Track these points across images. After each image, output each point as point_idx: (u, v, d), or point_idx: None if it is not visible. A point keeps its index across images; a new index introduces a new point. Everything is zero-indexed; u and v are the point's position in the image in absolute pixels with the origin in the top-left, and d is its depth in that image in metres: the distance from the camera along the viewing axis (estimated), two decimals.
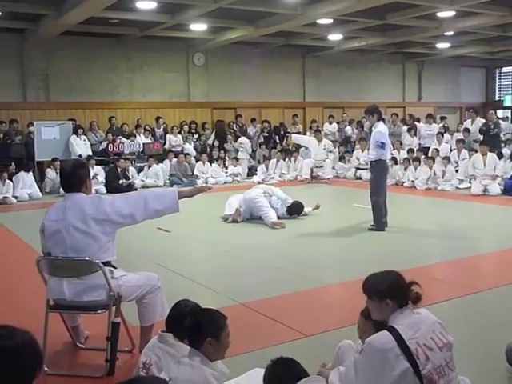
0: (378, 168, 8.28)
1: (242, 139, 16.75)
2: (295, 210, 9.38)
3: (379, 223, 8.27)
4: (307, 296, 5.25)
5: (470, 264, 6.54)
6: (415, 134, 15.91)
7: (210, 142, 16.99)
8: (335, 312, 4.87)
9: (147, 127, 16.48)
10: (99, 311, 3.63)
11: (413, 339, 2.55)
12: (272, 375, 2.78)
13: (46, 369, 3.64)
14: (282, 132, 18.33)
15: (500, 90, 25.49)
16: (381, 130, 8.19)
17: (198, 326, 2.77)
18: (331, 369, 3.16)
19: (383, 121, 8.79)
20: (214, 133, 17.32)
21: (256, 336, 4.22)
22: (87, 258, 3.52)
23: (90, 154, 14.43)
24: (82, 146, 14.55)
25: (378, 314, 2.74)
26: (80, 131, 14.79)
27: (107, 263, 3.65)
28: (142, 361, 3.01)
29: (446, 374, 2.57)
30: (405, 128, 17.11)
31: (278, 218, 8.98)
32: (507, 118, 19.67)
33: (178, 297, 4.91)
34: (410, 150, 14.59)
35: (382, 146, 8.08)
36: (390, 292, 2.70)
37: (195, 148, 16.66)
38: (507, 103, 24.01)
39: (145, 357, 3.01)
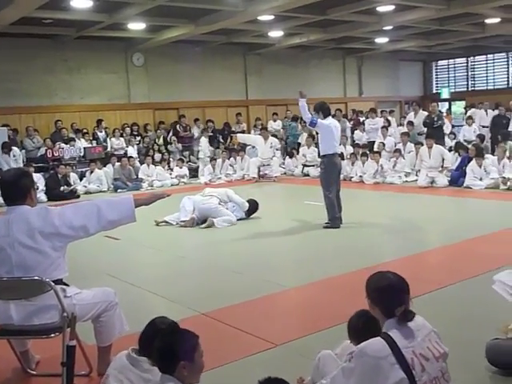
0: (327, 163, 8.15)
1: (202, 139, 16.42)
2: (254, 209, 9.24)
3: (334, 220, 8.15)
4: (270, 301, 5.04)
5: (429, 258, 6.52)
6: (364, 130, 15.98)
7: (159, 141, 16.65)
8: (301, 317, 4.68)
9: (87, 131, 15.93)
10: (52, 335, 3.29)
11: (408, 348, 2.38)
12: None
13: None
14: (226, 132, 18.10)
15: (437, 83, 26.03)
16: (327, 123, 8.03)
17: (168, 350, 2.50)
18: (310, 383, 2.97)
19: (333, 117, 8.68)
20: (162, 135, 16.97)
21: (222, 349, 3.96)
22: (36, 278, 3.17)
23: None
24: (11, 163, 13.49)
25: (374, 314, 2.58)
26: (8, 147, 13.65)
27: (58, 281, 3.32)
28: None
29: None
30: (348, 123, 17.24)
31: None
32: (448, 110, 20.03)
33: (133, 310, 4.65)
34: (356, 145, 14.63)
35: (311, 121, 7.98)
36: (376, 296, 2.53)
37: (139, 151, 16.22)
38: (444, 96, 24.50)
39: (115, 381, 2.72)
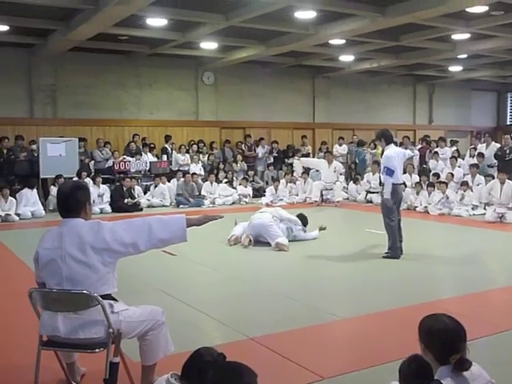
0: (391, 191, 7.85)
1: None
2: (305, 221, 9.35)
3: (394, 250, 7.91)
4: (321, 331, 4.89)
5: (492, 298, 6.18)
6: (437, 159, 15.58)
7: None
8: (353, 351, 4.49)
9: (154, 145, 16.24)
10: (97, 350, 3.27)
11: None
12: None
13: None
14: (290, 153, 18.06)
15: (511, 115, 25.18)
16: (389, 154, 7.81)
17: None
18: None
19: (396, 144, 8.50)
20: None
21: (266, 378, 3.80)
22: (85, 291, 3.17)
23: None
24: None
25: (427, 359, 2.42)
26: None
27: (107, 296, 3.31)
28: None
29: None
30: (416, 151, 16.84)
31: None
32: None
33: (182, 329, 4.62)
34: (424, 174, 14.33)
35: (389, 172, 7.71)
36: (430, 340, 2.37)
37: (203, 168, 16.37)
38: None
39: None
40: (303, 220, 9.35)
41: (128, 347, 3.59)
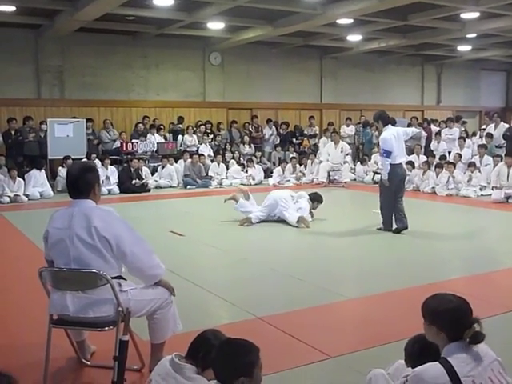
0: (389, 171, 8.16)
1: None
2: (318, 197, 9.33)
3: (386, 223, 8.34)
4: (327, 311, 4.93)
5: (498, 279, 6.16)
6: (439, 140, 15.51)
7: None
8: (359, 330, 4.53)
9: (163, 126, 16.25)
10: (106, 328, 3.32)
11: (468, 377, 2.22)
12: None
13: None
14: (297, 134, 18.02)
15: None
16: (384, 136, 8.11)
17: (227, 363, 2.37)
18: None
19: (394, 123, 8.73)
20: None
21: (276, 356, 3.88)
22: (94, 270, 3.21)
23: None
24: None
25: (431, 339, 2.42)
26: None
27: (115, 276, 3.35)
28: None
29: None
30: (423, 133, 16.75)
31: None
32: None
33: (191, 309, 4.66)
34: (431, 155, 14.25)
35: (386, 154, 8.04)
36: (440, 320, 2.38)
37: (211, 148, 16.37)
38: None
39: None
40: (317, 197, 9.33)
41: (137, 326, 3.64)
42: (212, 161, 15.42)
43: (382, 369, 2.87)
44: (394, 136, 8.10)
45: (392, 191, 8.25)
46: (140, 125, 15.85)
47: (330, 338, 4.26)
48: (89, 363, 3.81)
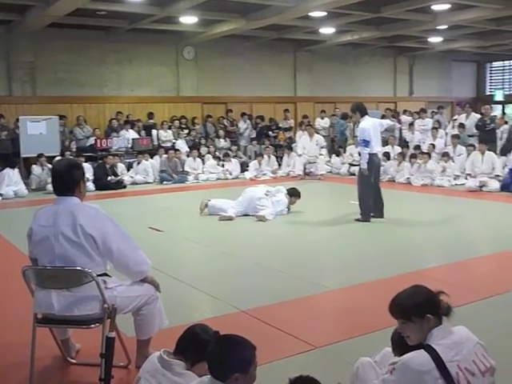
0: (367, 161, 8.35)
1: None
2: (296, 192, 9.38)
3: (365, 214, 8.46)
4: (311, 302, 4.97)
5: (476, 266, 6.29)
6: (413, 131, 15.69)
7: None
8: (342, 320, 4.58)
9: (140, 120, 16.15)
10: (92, 325, 3.30)
11: (453, 362, 2.27)
12: None
13: None
14: (273, 127, 18.04)
15: (491, 85, 25.34)
16: (363, 126, 8.34)
17: (223, 360, 2.38)
18: None
19: (383, 117, 8.82)
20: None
21: (261, 348, 3.80)
22: (79, 268, 3.19)
23: None
24: None
25: (419, 337, 2.42)
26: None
27: (100, 274, 3.33)
28: None
29: None
30: (397, 124, 16.92)
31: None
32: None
33: (174, 304, 4.65)
34: (406, 146, 14.43)
35: (364, 143, 8.25)
36: (429, 305, 2.42)
37: (186, 143, 16.30)
38: (497, 98, 23.84)
39: (146, 383, 2.69)
40: (295, 193, 9.39)
41: (122, 323, 3.63)
42: (188, 156, 15.36)
43: (368, 357, 2.92)
44: (371, 126, 8.32)
45: (371, 180, 8.42)
46: (114, 121, 15.71)
47: (315, 328, 4.30)
48: (74, 361, 3.78)
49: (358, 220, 8.50)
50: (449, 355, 2.29)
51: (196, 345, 2.73)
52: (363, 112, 8.49)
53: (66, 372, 3.70)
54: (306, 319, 4.50)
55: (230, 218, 8.84)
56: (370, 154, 8.24)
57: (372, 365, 2.85)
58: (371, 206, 8.54)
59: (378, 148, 8.56)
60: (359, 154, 9.39)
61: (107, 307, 3.26)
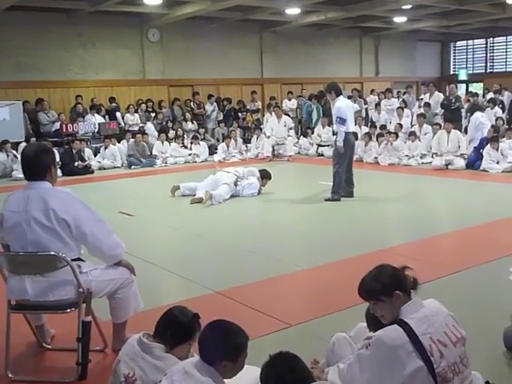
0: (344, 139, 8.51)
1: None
2: (267, 174, 9.49)
3: (336, 194, 8.59)
4: (284, 281, 5.02)
5: (443, 242, 6.44)
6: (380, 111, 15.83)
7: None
8: (318, 298, 4.65)
9: (103, 106, 15.93)
10: (68, 310, 3.29)
11: (426, 334, 2.32)
12: (272, 375, 2.46)
13: (10, 375, 3.32)
14: (241, 110, 17.99)
15: (455, 64, 25.65)
16: (339, 105, 8.51)
17: (216, 346, 2.39)
18: (325, 366, 2.95)
19: (350, 98, 8.95)
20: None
21: None
22: (53, 253, 3.17)
23: None
24: None
25: (391, 314, 2.46)
26: None
27: (74, 259, 3.31)
28: (123, 373, 2.69)
29: (461, 372, 2.36)
30: (363, 104, 17.06)
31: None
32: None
33: (148, 287, 4.65)
34: (373, 126, 14.57)
35: (341, 121, 8.41)
36: (396, 282, 2.47)
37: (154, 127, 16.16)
38: (462, 77, 24.17)
39: (127, 368, 2.68)
40: (266, 174, 9.48)
41: (98, 307, 3.62)
42: (156, 140, 15.22)
43: (343, 333, 2.97)
44: (346, 106, 8.58)
45: (347, 159, 8.64)
46: (79, 105, 15.47)
47: (289, 307, 4.36)
48: (50, 347, 3.77)
49: (327, 200, 8.59)
50: (421, 328, 2.34)
51: (175, 327, 2.74)
52: (338, 92, 8.71)
53: (42, 358, 3.69)
54: (279, 298, 4.55)
55: (200, 200, 8.82)
56: (345, 133, 8.43)
57: (347, 340, 2.91)
58: (343, 185, 8.68)
59: (352, 127, 8.79)
60: (333, 134, 9.52)
61: (82, 291, 3.26)
